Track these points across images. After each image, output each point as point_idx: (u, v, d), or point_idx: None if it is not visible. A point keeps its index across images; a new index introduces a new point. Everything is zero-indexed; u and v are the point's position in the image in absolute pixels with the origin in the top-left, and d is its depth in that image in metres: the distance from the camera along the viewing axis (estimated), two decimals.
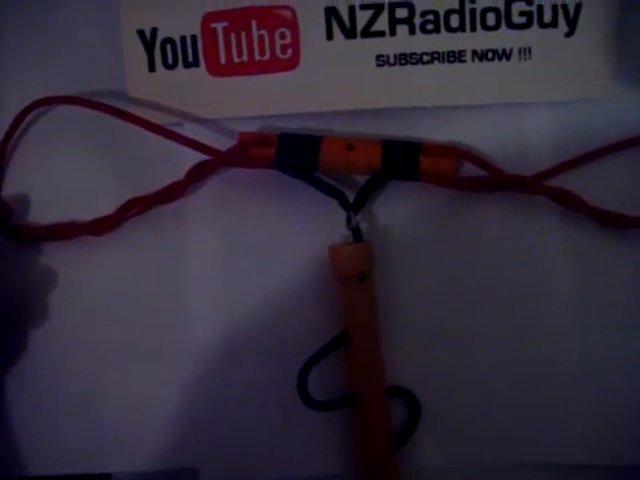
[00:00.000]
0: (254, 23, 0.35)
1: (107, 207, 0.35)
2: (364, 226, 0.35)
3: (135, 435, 0.35)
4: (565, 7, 0.34)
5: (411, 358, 0.35)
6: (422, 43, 0.35)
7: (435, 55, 0.35)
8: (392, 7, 0.35)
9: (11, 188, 0.36)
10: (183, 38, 0.35)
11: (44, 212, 0.36)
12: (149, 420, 0.35)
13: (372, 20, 0.35)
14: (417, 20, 0.35)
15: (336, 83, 0.35)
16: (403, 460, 0.34)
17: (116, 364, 0.35)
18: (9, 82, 0.36)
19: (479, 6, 0.34)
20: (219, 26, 0.35)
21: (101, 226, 0.35)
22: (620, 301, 0.35)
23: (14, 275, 0.35)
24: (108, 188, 0.35)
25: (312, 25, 0.35)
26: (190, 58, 0.35)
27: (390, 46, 0.35)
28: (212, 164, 0.34)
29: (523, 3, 0.34)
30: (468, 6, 0.34)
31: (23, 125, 0.36)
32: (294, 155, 0.34)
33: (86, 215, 0.35)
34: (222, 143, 0.35)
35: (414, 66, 0.35)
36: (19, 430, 0.35)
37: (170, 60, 0.35)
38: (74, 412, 0.35)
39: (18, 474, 0.35)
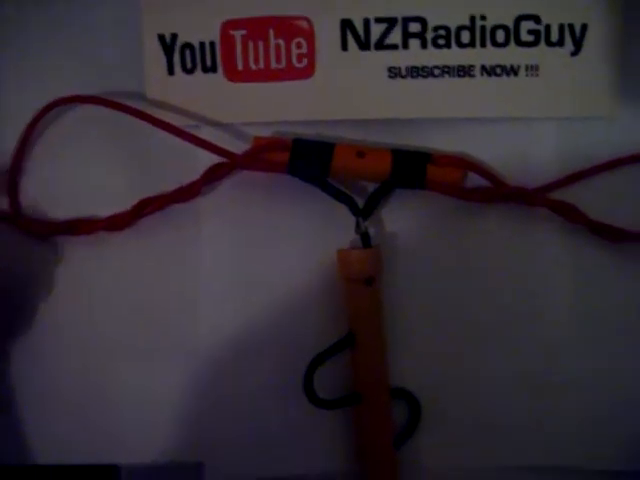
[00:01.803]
0: (272, 32, 0.36)
1: (123, 205, 0.36)
2: (372, 232, 0.36)
3: (142, 428, 0.36)
4: (572, 27, 0.36)
5: (414, 361, 0.36)
6: (433, 57, 0.36)
7: (445, 69, 0.36)
8: (405, 21, 0.36)
9: (29, 184, 0.37)
10: (202, 44, 0.36)
11: (61, 208, 0.37)
12: (157, 414, 0.36)
13: (386, 33, 0.36)
14: (429, 35, 0.36)
15: (349, 93, 0.36)
16: (404, 460, 0.35)
17: (126, 358, 0.36)
18: (28, 81, 0.37)
19: (489, 23, 0.36)
20: (238, 34, 0.36)
21: (116, 223, 0.35)
22: (617, 314, 0.36)
23: (27, 268, 0.36)
24: (124, 187, 0.36)
25: (328, 36, 0.36)
26: (208, 63, 0.36)
27: (402, 59, 0.36)
28: (227, 166, 0.35)
29: (531, 22, 0.36)
30: (479, 23, 0.36)
31: (42, 123, 0.37)
32: (307, 161, 0.35)
33: (102, 213, 0.36)
34: (237, 147, 0.36)
35: (425, 79, 0.36)
36: (27, 419, 0.36)
37: (189, 65, 0.37)
38: (83, 404, 0.36)
39: (25, 462, 0.36)
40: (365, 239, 0.35)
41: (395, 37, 0.36)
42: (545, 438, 0.35)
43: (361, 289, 0.34)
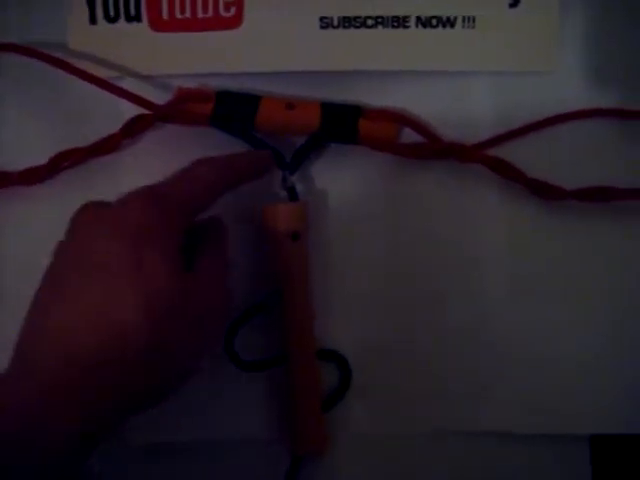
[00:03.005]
0: None
1: (41, 158, 0.34)
2: (302, 188, 0.35)
3: None
4: None
5: (345, 322, 0.35)
6: (366, 7, 0.35)
7: (379, 20, 0.35)
8: None
9: None
10: None
11: None
12: None
13: None
14: None
15: (279, 43, 0.35)
16: (334, 425, 0.34)
17: None
18: None
19: None
20: None
21: (31, 177, 0.34)
22: (550, 271, 0.35)
23: None
24: (43, 140, 0.35)
25: None
26: (132, 12, 0.35)
27: (334, 8, 0.35)
28: (149, 118, 0.34)
29: None
30: None
31: None
32: (231, 112, 0.34)
33: (19, 165, 0.34)
34: (162, 100, 0.34)
35: (357, 30, 0.35)
36: None
37: (112, 13, 0.35)
38: None
39: None
40: (292, 194, 0.34)
41: None
42: (478, 403, 0.34)
43: (287, 245, 0.33)
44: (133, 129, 0.34)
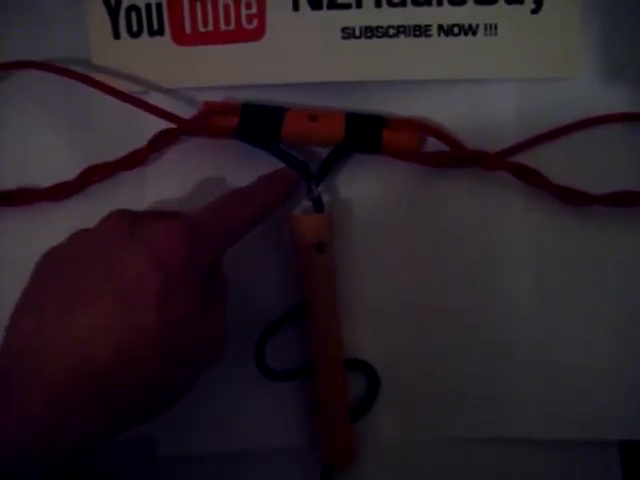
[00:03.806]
0: None
1: (67, 174, 0.34)
2: (327, 199, 0.35)
3: None
4: None
5: (371, 331, 0.35)
6: (388, 16, 0.35)
7: (401, 29, 0.35)
8: None
9: None
10: (148, 6, 0.35)
11: (2, 179, 0.35)
12: None
13: None
14: None
15: (301, 55, 0.35)
16: (362, 433, 0.34)
17: None
18: None
19: None
20: None
21: (59, 192, 0.34)
22: (579, 278, 0.34)
23: None
24: (69, 155, 0.35)
25: None
26: (155, 26, 0.35)
27: (356, 18, 0.35)
28: (174, 132, 0.34)
29: None
30: None
31: None
32: (257, 125, 0.34)
33: (46, 181, 0.35)
34: (186, 113, 0.35)
35: (380, 39, 0.35)
36: None
37: (135, 28, 0.35)
38: None
39: None
40: (317, 204, 0.34)
41: None
42: (498, 409, 0.34)
43: (312, 256, 0.33)
44: (159, 143, 0.34)
